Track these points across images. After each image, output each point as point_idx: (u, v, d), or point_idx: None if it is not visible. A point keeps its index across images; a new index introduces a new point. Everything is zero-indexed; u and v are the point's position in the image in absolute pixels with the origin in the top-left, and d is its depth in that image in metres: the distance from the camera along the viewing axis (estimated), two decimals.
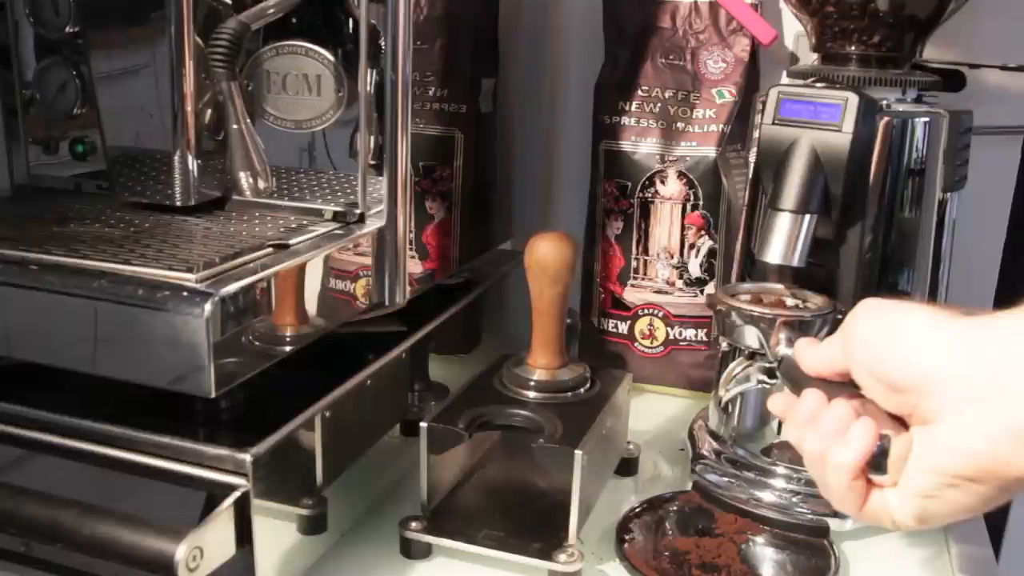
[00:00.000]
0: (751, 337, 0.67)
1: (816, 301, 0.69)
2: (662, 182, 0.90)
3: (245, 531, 0.54)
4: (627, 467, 0.78)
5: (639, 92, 0.91)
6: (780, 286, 0.71)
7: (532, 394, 0.70)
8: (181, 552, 0.49)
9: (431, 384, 0.83)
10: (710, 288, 0.91)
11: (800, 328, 0.64)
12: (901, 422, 0.46)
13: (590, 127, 0.94)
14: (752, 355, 0.68)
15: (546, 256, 0.69)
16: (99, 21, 0.68)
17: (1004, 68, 0.84)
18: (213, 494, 0.53)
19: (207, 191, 0.69)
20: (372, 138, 0.66)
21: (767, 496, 0.70)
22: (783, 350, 0.58)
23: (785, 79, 0.77)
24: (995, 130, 0.85)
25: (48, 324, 0.55)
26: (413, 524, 0.65)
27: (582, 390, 0.71)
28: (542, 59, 1.02)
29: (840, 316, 0.66)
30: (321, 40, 0.67)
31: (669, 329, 0.93)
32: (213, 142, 0.68)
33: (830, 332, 0.60)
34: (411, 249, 0.70)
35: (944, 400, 0.42)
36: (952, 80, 0.78)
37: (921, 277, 0.72)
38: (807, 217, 0.67)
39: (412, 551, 0.65)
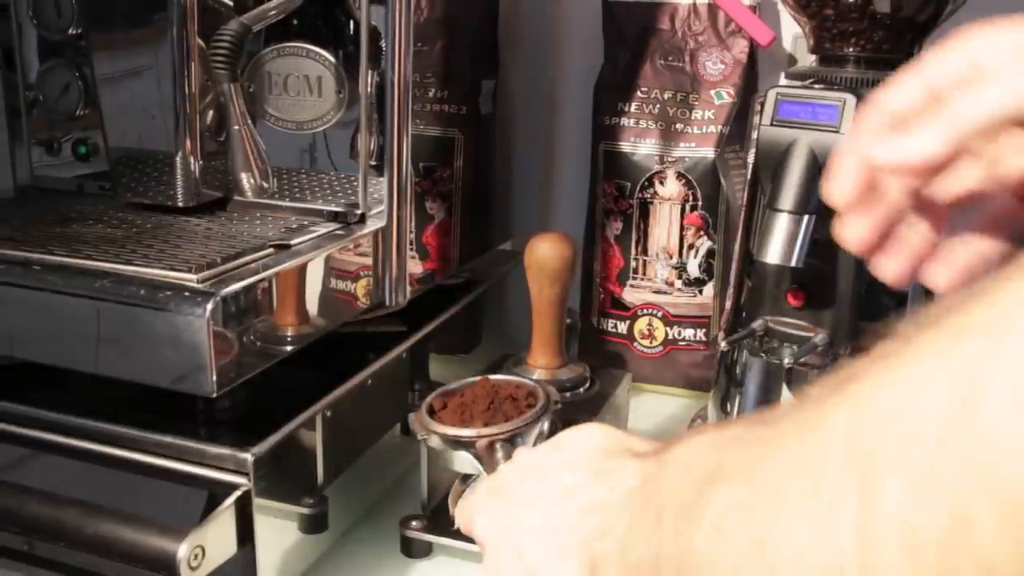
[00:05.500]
0: (465, 463, 0.60)
1: (531, 392, 0.63)
2: (661, 183, 0.91)
3: (246, 530, 0.54)
4: None
5: (638, 93, 0.92)
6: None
7: None
8: (183, 551, 0.49)
9: (431, 384, 0.83)
10: (709, 288, 0.91)
11: (512, 442, 0.58)
12: None
13: (590, 128, 0.94)
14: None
15: (545, 256, 0.70)
16: (101, 23, 0.69)
17: None
18: (214, 493, 0.54)
19: (209, 192, 0.69)
20: (373, 139, 0.66)
21: None
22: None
23: (783, 80, 0.78)
24: None
25: (51, 324, 0.55)
26: (414, 523, 0.65)
27: (582, 390, 0.72)
28: (542, 60, 1.03)
29: (557, 405, 0.62)
30: (322, 42, 0.67)
31: (668, 329, 0.93)
32: (215, 143, 0.69)
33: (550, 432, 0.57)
34: (411, 249, 0.70)
35: None
36: None
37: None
38: (806, 218, 0.68)
39: (413, 550, 0.66)
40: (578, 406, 0.69)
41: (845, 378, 0.23)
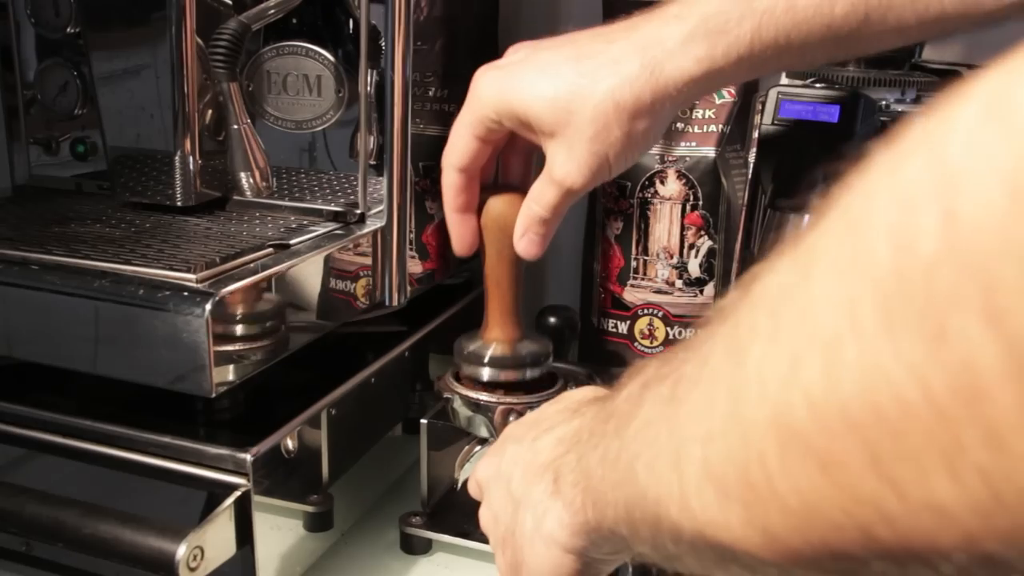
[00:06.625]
0: (480, 427, 0.63)
1: (551, 374, 0.65)
2: (661, 182, 0.90)
3: (246, 531, 0.54)
4: None
5: None
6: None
7: (488, 371, 0.64)
8: (182, 551, 0.49)
9: (432, 384, 0.83)
10: (710, 288, 0.91)
11: (525, 414, 0.59)
12: None
13: None
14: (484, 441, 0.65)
15: (503, 213, 0.62)
16: (100, 21, 0.68)
17: None
18: (214, 494, 0.54)
19: (208, 191, 0.69)
20: (372, 138, 0.66)
21: None
22: None
23: (784, 79, 0.78)
24: None
25: (49, 324, 0.55)
26: (414, 520, 0.65)
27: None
28: None
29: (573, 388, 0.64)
30: (321, 40, 0.67)
31: (669, 329, 0.93)
32: (214, 142, 0.68)
33: None
34: (411, 249, 0.70)
35: None
36: (951, 80, 0.78)
37: None
38: (807, 217, 0.67)
39: (413, 547, 0.65)
40: None
41: (749, 279, 0.27)
